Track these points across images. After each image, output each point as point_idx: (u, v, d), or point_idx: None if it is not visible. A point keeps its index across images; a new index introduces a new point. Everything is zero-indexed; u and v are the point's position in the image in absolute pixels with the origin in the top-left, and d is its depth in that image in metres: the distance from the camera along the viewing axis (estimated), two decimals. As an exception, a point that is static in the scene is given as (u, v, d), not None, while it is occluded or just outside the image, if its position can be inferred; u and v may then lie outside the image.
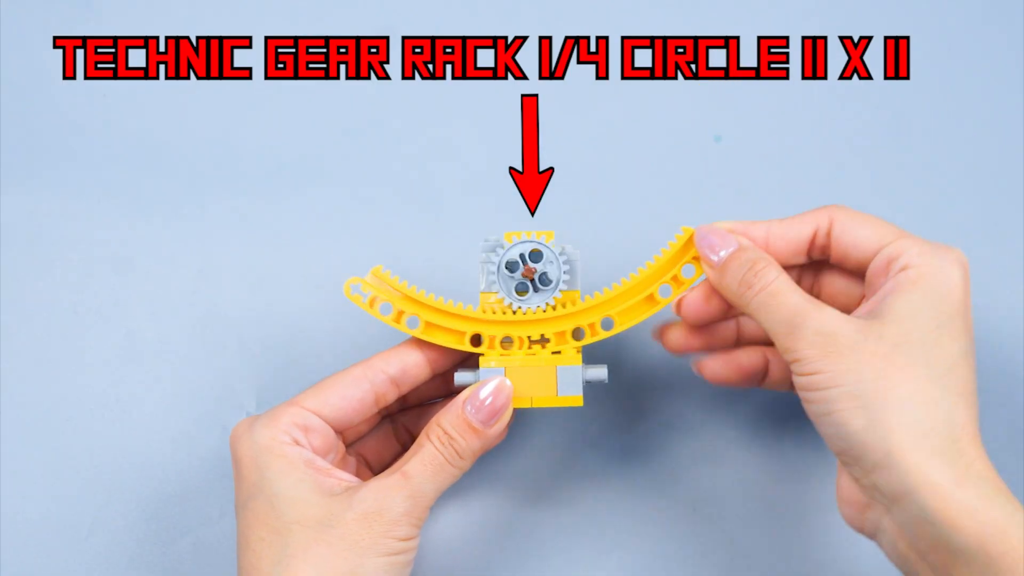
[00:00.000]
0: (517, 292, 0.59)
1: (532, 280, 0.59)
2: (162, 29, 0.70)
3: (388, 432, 0.63)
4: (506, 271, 0.59)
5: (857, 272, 0.58)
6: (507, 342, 0.59)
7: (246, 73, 0.69)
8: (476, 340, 0.60)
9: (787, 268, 0.58)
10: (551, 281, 0.59)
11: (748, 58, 0.70)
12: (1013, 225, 0.68)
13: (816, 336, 0.54)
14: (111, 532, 0.64)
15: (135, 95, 0.69)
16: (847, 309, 0.59)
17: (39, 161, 0.68)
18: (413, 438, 0.63)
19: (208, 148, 0.69)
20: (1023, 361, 0.66)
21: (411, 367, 0.60)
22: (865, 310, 0.55)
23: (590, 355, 0.64)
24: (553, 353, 0.59)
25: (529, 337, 0.59)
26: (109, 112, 0.69)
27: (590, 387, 0.60)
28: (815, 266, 0.60)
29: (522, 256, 0.59)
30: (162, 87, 0.69)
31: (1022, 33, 0.70)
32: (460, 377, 0.59)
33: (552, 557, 0.64)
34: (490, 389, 0.58)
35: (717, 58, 0.70)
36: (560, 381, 0.58)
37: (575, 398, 0.58)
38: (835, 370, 0.53)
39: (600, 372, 0.59)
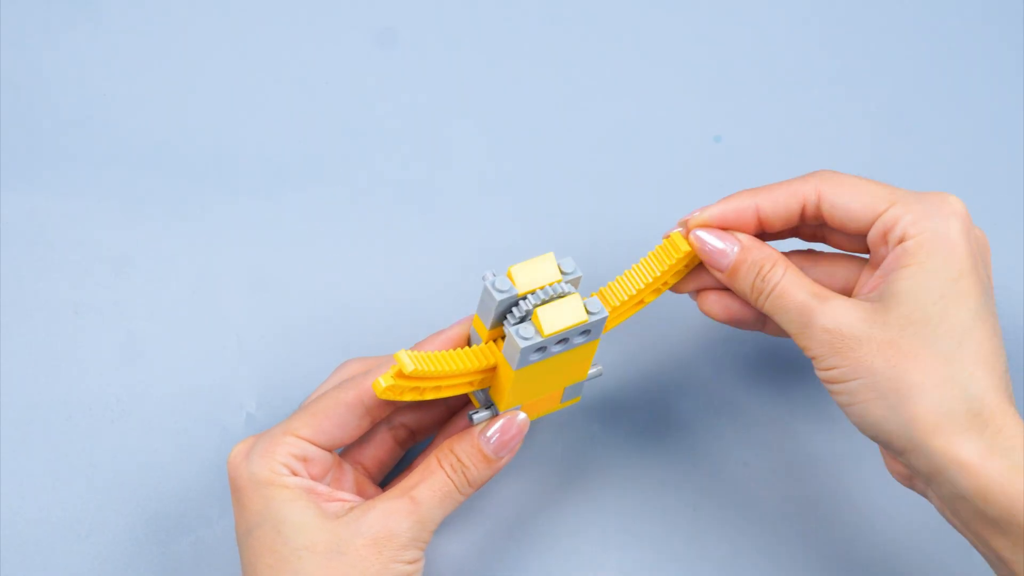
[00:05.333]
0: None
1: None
2: (162, 28, 0.70)
3: (385, 437, 0.63)
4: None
5: (858, 234, 0.58)
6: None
7: (246, 73, 0.70)
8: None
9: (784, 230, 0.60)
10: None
11: (748, 58, 0.70)
12: (1014, 225, 0.68)
13: (824, 334, 0.54)
14: (111, 532, 0.64)
15: (135, 95, 0.69)
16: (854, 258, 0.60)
17: (39, 161, 0.68)
18: (412, 435, 0.62)
19: (208, 148, 0.69)
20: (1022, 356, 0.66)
21: None
22: (870, 289, 0.56)
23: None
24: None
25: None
26: (109, 112, 0.69)
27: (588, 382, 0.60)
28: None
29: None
30: (162, 87, 0.69)
31: (1022, 33, 0.70)
32: (479, 417, 0.59)
33: (551, 557, 0.64)
34: (513, 424, 0.58)
35: (718, 58, 0.70)
36: (564, 393, 0.59)
37: (574, 400, 0.59)
38: (848, 365, 0.54)
39: (595, 370, 0.60)
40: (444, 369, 0.56)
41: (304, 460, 0.57)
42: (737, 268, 0.57)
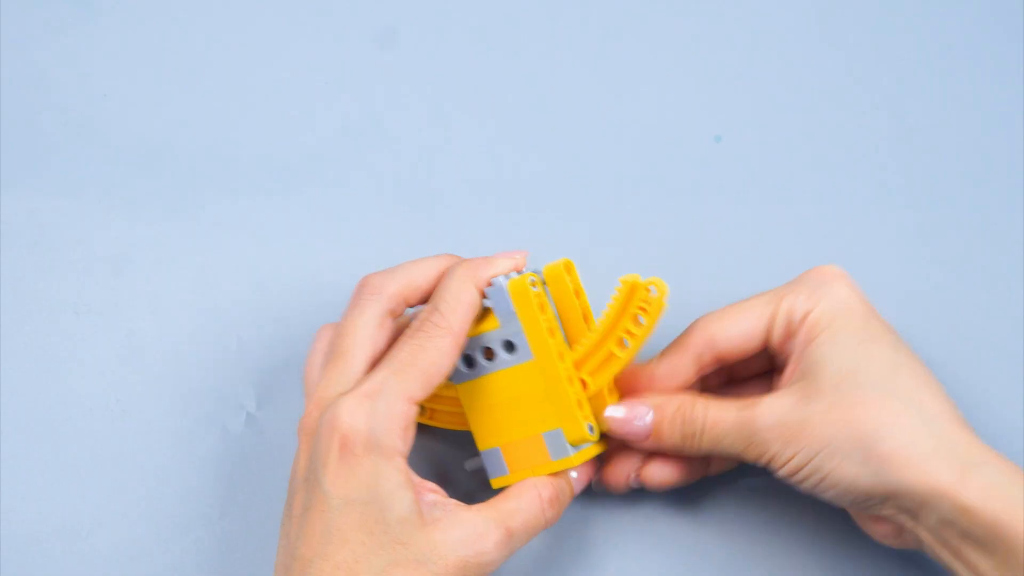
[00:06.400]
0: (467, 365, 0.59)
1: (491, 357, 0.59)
2: (162, 29, 0.70)
3: None
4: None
5: (756, 353, 0.59)
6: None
7: (246, 73, 0.70)
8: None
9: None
10: (515, 346, 0.58)
11: (748, 58, 0.70)
12: (1013, 224, 0.68)
13: (769, 432, 0.55)
14: (111, 532, 0.64)
15: (135, 95, 0.69)
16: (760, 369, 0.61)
17: (39, 161, 0.68)
18: None
19: (208, 148, 0.69)
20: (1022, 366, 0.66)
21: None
22: (787, 378, 0.57)
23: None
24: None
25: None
26: (109, 112, 0.69)
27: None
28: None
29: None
30: (162, 87, 0.69)
31: (1022, 33, 0.70)
32: (472, 464, 0.61)
33: (550, 557, 0.64)
34: (589, 467, 0.60)
35: (718, 58, 0.70)
36: (549, 447, 0.58)
37: (567, 460, 0.58)
38: (804, 447, 0.54)
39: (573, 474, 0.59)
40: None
41: (409, 428, 0.56)
42: (660, 427, 0.58)
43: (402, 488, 0.54)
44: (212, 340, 0.66)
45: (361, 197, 0.68)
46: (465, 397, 0.59)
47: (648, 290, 0.56)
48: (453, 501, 0.56)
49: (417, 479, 0.55)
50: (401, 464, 0.54)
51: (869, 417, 0.54)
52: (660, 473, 0.60)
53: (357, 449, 0.54)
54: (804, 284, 0.57)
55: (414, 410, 0.55)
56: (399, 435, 0.54)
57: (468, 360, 0.59)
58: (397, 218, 0.68)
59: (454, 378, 0.60)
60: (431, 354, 0.55)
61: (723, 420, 0.56)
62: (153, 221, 0.67)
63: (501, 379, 0.58)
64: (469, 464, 0.61)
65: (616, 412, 0.58)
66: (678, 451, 0.58)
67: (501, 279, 0.57)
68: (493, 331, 0.58)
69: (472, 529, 0.54)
